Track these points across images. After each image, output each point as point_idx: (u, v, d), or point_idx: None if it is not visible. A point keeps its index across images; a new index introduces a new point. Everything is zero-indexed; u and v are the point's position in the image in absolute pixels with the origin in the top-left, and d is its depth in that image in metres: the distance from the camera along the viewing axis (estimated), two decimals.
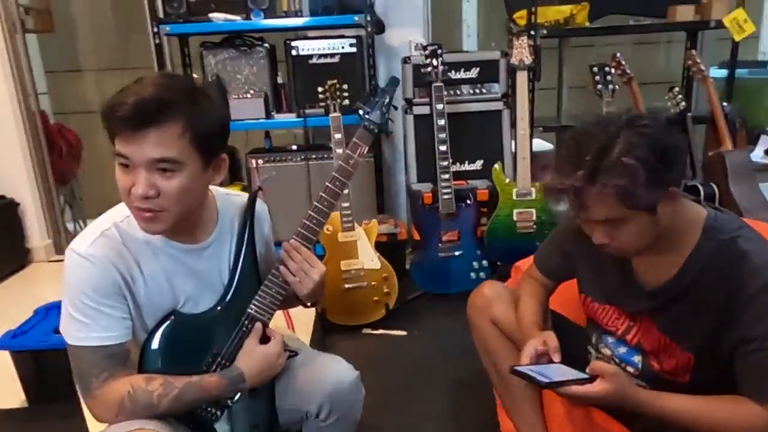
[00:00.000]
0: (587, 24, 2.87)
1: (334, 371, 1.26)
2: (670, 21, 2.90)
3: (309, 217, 1.29)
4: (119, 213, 1.15)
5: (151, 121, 0.99)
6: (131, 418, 1.08)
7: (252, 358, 1.19)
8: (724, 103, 2.74)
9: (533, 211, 2.56)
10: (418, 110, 2.93)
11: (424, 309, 2.52)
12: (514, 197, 2.57)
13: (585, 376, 1.12)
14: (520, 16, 2.90)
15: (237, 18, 2.75)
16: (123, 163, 1.03)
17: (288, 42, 2.89)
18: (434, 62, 2.39)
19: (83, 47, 4.94)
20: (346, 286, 2.31)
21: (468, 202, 2.48)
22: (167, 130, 1.00)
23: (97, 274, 1.08)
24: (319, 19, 2.76)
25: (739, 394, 1.09)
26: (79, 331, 1.08)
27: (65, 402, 1.88)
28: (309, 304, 1.34)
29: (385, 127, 1.40)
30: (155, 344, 1.17)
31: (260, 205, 1.34)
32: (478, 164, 2.94)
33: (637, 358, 1.27)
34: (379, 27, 2.83)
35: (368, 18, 2.76)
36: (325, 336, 2.32)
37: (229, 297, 1.22)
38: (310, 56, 2.90)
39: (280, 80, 3.01)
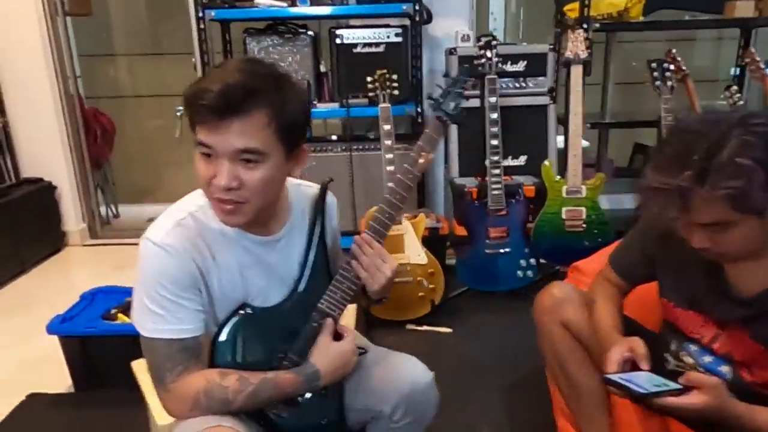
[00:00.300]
0: (641, 18, 2.78)
1: (410, 371, 1.22)
2: (728, 17, 2.80)
3: (381, 210, 1.24)
4: (193, 202, 1.11)
5: (236, 109, 0.95)
6: (205, 413, 1.04)
7: (327, 355, 1.15)
8: None
9: (583, 209, 2.50)
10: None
11: (468, 306, 2.47)
12: (564, 195, 2.51)
13: (678, 386, 1.07)
14: (572, 9, 2.82)
15: (284, 4, 2.70)
16: (205, 152, 0.99)
17: (333, 30, 2.84)
18: (488, 54, 2.33)
19: (117, 32, 4.94)
20: None
21: (517, 198, 2.42)
22: (253, 119, 0.96)
23: (174, 265, 1.05)
24: (367, 7, 2.71)
25: None
26: (155, 323, 1.05)
27: (112, 388, 1.89)
28: (375, 299, 1.30)
29: (459, 118, 1.35)
30: (225, 337, 1.13)
31: (330, 197, 1.29)
32: (521, 160, 2.87)
33: (725, 369, 1.21)
34: (428, 16, 2.77)
35: (416, 7, 2.70)
36: (369, 330, 2.28)
37: (299, 291, 1.18)
38: (355, 45, 2.85)
39: (322, 69, 2.96)
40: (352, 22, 2.95)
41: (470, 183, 2.59)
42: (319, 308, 1.18)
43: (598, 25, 2.62)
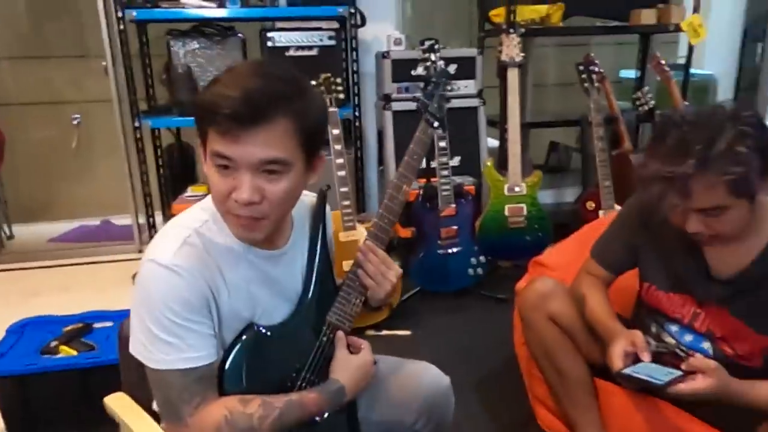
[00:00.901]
0: (560, 24, 2.96)
1: (429, 378, 1.20)
2: (633, 24, 3.06)
3: (381, 216, 1.22)
4: (195, 217, 1.02)
5: (261, 117, 0.88)
6: None
7: (349, 369, 1.10)
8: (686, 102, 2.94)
9: (524, 205, 2.61)
10: (397, 106, 2.90)
11: (423, 307, 2.49)
12: (506, 193, 2.61)
13: (680, 373, 1.15)
14: (497, 14, 2.94)
15: (212, 5, 2.57)
16: (222, 164, 0.91)
17: (264, 32, 2.75)
18: (432, 57, 2.36)
19: None
20: None
21: (465, 197, 2.48)
22: (278, 127, 0.90)
23: (185, 288, 0.95)
24: (302, 9, 2.65)
25: None
26: (167, 353, 0.95)
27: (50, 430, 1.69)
28: (375, 306, 1.27)
29: (444, 119, 1.36)
30: (236, 361, 1.04)
31: (327, 206, 1.25)
32: (456, 160, 2.95)
33: (706, 345, 1.31)
34: (362, 20, 2.76)
35: (352, 10, 2.68)
36: None
37: (306, 305, 1.13)
38: (287, 48, 2.78)
39: None
40: (282, 24, 2.86)
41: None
42: (329, 321, 1.13)
43: (524, 30, 2.74)
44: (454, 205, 2.43)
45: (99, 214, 3.87)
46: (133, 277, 2.79)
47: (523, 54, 2.56)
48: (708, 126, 1.07)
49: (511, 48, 2.54)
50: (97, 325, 1.91)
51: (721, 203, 1.09)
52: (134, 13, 2.51)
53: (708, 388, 1.11)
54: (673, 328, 1.37)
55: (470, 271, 2.50)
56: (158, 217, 3.14)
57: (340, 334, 1.14)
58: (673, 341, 1.37)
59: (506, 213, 2.60)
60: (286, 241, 1.10)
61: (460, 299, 2.52)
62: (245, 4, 2.64)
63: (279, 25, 2.86)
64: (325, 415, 1.10)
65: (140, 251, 3.29)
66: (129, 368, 1.28)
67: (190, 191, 2.85)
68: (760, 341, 1.23)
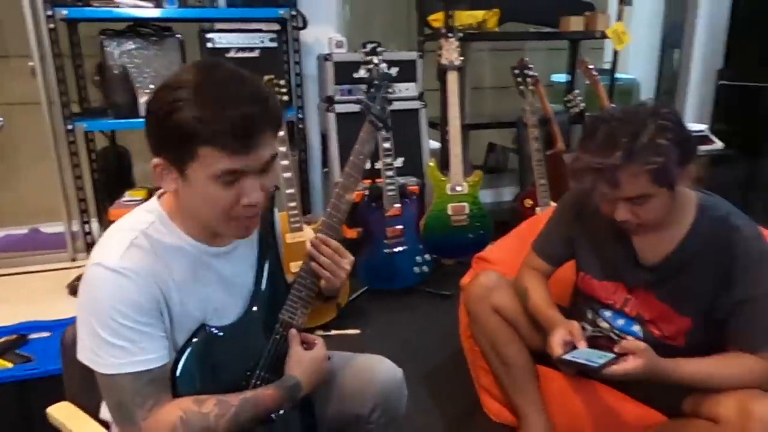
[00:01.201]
0: (496, 29, 3.07)
1: (382, 370, 1.24)
2: (563, 30, 3.22)
3: (329, 215, 1.25)
4: (141, 219, 1.01)
5: (261, 130, 0.92)
6: None
7: (303, 364, 1.12)
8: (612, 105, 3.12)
9: (466, 204, 2.69)
10: (340, 108, 2.92)
11: (370, 306, 2.52)
12: (448, 192, 2.68)
13: (613, 355, 1.24)
14: (435, 19, 3.02)
15: (149, 5, 2.51)
16: (229, 180, 0.93)
17: (203, 33, 2.71)
18: (375, 60, 2.40)
19: None
20: None
21: (409, 197, 2.53)
22: (271, 130, 0.95)
23: (134, 290, 0.95)
24: (243, 10, 2.63)
25: (734, 350, 1.28)
26: (117, 357, 0.94)
27: None
28: (327, 297, 1.29)
29: (388, 121, 1.40)
30: (188, 363, 1.03)
31: (275, 206, 1.26)
32: (399, 161, 3.00)
33: (636, 328, 1.42)
34: (303, 22, 2.76)
35: (293, 12, 2.69)
36: None
37: (258, 303, 1.14)
38: (228, 49, 2.75)
39: None
40: (221, 26, 2.82)
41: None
42: (281, 319, 1.15)
43: (462, 34, 2.83)
44: (398, 205, 2.48)
45: (27, 222, 3.68)
46: (68, 286, 2.67)
47: (461, 57, 2.65)
48: (633, 122, 1.17)
49: (450, 52, 2.62)
50: (32, 336, 1.83)
51: (645, 192, 1.19)
52: (65, 11, 2.41)
53: (638, 368, 1.20)
54: (607, 313, 1.46)
55: (416, 269, 2.56)
56: (94, 224, 3.02)
57: (293, 331, 1.16)
58: (607, 326, 1.47)
59: (449, 212, 2.68)
60: (229, 240, 1.10)
61: (407, 297, 2.57)
62: (183, 4, 2.59)
63: (218, 26, 2.83)
64: (281, 411, 1.12)
65: (73, 259, 3.15)
66: (72, 377, 1.26)
67: (128, 196, 2.76)
68: (683, 322, 1.34)
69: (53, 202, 3.08)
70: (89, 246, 2.82)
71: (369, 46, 2.41)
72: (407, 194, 2.54)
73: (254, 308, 1.13)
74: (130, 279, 0.94)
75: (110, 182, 3.04)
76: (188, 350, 1.03)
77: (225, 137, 0.88)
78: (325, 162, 3.10)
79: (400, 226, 2.50)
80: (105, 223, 2.73)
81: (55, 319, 1.94)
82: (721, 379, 1.24)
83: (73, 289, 2.45)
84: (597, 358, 1.24)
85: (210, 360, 1.06)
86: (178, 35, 2.71)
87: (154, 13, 2.52)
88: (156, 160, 0.94)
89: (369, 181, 2.59)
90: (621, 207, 1.24)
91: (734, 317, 1.27)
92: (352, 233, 2.73)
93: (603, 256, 1.44)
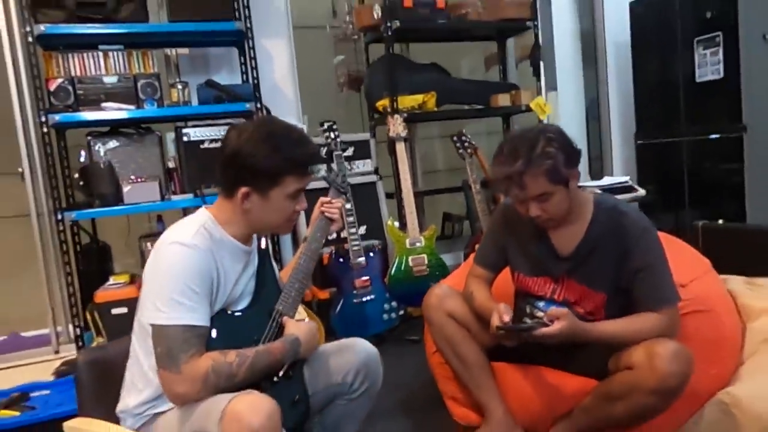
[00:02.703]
0: (435, 109, 3.55)
1: (361, 345, 1.50)
2: (493, 106, 3.73)
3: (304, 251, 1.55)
4: (197, 220, 1.34)
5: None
6: (212, 392, 1.19)
7: (300, 327, 1.39)
8: None
9: (424, 256, 3.00)
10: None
11: None
12: (408, 246, 2.99)
13: (543, 321, 1.51)
14: (383, 104, 3.48)
15: (131, 107, 2.88)
16: (296, 195, 1.35)
17: (179, 129, 3.08)
18: (332, 135, 2.79)
19: None
20: None
21: (373, 251, 2.83)
22: None
23: (203, 263, 1.26)
24: (213, 106, 3.02)
25: (640, 311, 1.56)
26: (178, 311, 1.22)
27: None
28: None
29: (348, 187, 1.76)
30: (216, 331, 1.31)
31: None
32: (362, 229, 3.32)
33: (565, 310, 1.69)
34: (267, 114, 3.17)
35: (258, 105, 3.10)
36: None
37: (260, 295, 1.43)
38: (202, 141, 3.11)
39: (171, 165, 3.13)
40: (195, 121, 3.20)
41: (324, 250, 2.93)
42: (278, 309, 1.42)
43: (406, 114, 3.28)
44: (363, 258, 2.76)
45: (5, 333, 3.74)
46: (54, 372, 2.75)
47: (407, 130, 3.07)
48: (528, 137, 1.53)
49: (396, 126, 3.05)
50: (33, 394, 1.98)
51: (546, 190, 1.52)
52: (57, 117, 2.75)
53: (563, 328, 1.47)
54: (540, 303, 1.74)
55: (385, 316, 2.80)
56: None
57: (286, 318, 1.42)
58: (542, 313, 1.73)
59: (410, 264, 2.97)
60: (252, 243, 1.45)
61: (378, 343, 2.73)
62: (160, 104, 2.97)
63: (192, 122, 3.21)
64: (281, 373, 1.35)
65: (57, 351, 3.26)
66: (85, 398, 1.46)
67: (113, 280, 2.97)
68: (598, 297, 1.63)
69: (34, 311, 3.23)
70: (78, 339, 2.94)
71: (326, 124, 2.81)
72: (371, 248, 2.83)
73: (259, 298, 1.43)
74: (201, 253, 1.26)
75: (90, 279, 3.19)
76: (216, 321, 1.31)
77: (302, 168, 1.32)
78: (295, 237, 3.39)
79: (367, 277, 2.77)
80: (91, 307, 2.89)
81: (53, 380, 2.10)
82: (632, 334, 1.52)
83: (59, 374, 2.57)
84: (530, 323, 1.51)
85: (229, 332, 1.32)
86: (157, 132, 3.07)
87: (135, 114, 2.88)
88: (244, 189, 1.31)
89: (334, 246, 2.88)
90: (531, 206, 1.57)
91: (635, 284, 1.57)
92: (324, 294, 2.98)
93: (530, 256, 1.74)
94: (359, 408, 1.51)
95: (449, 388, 1.99)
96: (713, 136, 3.52)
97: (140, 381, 1.33)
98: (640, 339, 1.50)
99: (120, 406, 1.37)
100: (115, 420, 1.39)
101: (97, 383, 1.45)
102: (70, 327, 3.13)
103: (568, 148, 1.53)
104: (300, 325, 1.39)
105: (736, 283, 1.97)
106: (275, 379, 1.33)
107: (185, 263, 1.24)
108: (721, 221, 2.71)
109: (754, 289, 1.90)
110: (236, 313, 1.37)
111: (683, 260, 1.84)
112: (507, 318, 1.57)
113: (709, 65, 3.49)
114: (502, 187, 1.56)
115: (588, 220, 1.64)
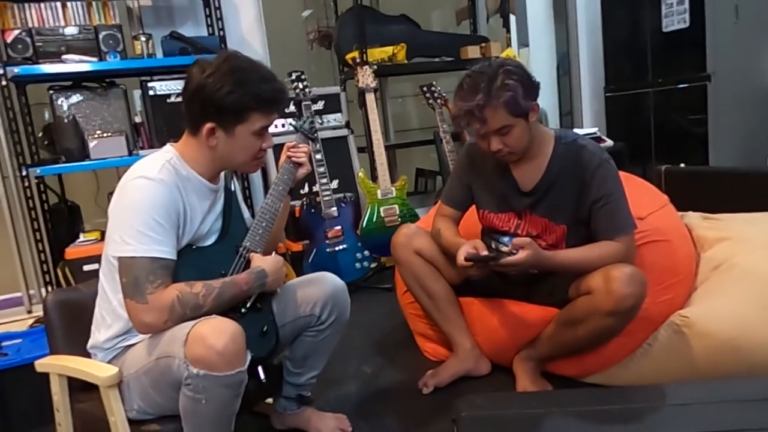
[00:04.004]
0: (405, 61, 3.53)
1: (328, 278, 1.53)
2: (463, 58, 3.72)
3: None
4: (162, 156, 1.33)
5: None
6: (179, 322, 1.20)
7: (266, 260, 1.41)
8: None
9: (396, 206, 3.03)
10: (276, 140, 3.24)
11: None
12: (379, 197, 3.01)
13: (510, 251, 1.55)
14: (352, 57, 3.45)
15: (94, 59, 2.81)
16: (261, 132, 1.34)
17: (144, 83, 3.01)
18: (300, 85, 2.77)
19: None
20: None
21: (345, 202, 2.84)
22: None
23: (168, 196, 1.26)
24: (179, 58, 2.96)
25: (599, 240, 1.61)
26: (144, 243, 1.22)
27: None
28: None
29: (316, 133, 1.74)
30: (183, 264, 1.31)
31: None
32: (334, 183, 3.33)
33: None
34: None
35: None
36: None
37: (228, 232, 1.44)
38: (168, 95, 3.05)
39: (137, 119, 3.08)
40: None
41: (296, 203, 2.94)
42: (245, 246, 1.43)
43: (375, 66, 3.26)
44: (335, 208, 2.78)
45: None
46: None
47: (376, 81, 3.06)
48: (487, 72, 1.55)
49: (366, 77, 3.03)
50: (5, 343, 1.98)
51: (506, 123, 1.55)
52: (16, 69, 2.67)
53: (526, 256, 1.51)
54: (505, 238, 1.79)
55: (357, 264, 2.84)
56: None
57: (253, 254, 1.43)
58: (506, 248, 1.78)
59: (382, 214, 3.00)
60: (219, 182, 1.44)
61: (351, 292, 2.79)
62: (124, 57, 2.90)
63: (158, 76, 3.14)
64: (248, 303, 1.36)
65: (29, 312, 3.24)
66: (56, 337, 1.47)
67: (83, 237, 2.94)
68: (560, 230, 1.68)
69: (5, 274, 3.19)
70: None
71: (294, 74, 2.78)
72: (343, 200, 2.85)
73: (225, 236, 1.44)
74: (167, 187, 1.26)
75: (63, 238, 3.16)
76: (183, 256, 1.32)
77: (268, 105, 1.31)
78: (266, 183, 3.38)
79: (339, 227, 2.79)
80: (63, 264, 2.87)
81: (25, 330, 2.10)
82: (591, 260, 1.57)
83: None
84: (496, 253, 1.55)
85: (196, 266, 1.33)
86: (122, 86, 3.00)
87: (97, 67, 2.81)
88: (209, 125, 1.29)
89: (306, 198, 2.89)
90: (493, 139, 1.59)
91: (593, 215, 1.62)
92: (297, 246, 2.99)
93: (494, 193, 1.78)
94: (328, 340, 1.54)
95: (419, 325, 2.05)
96: (680, 86, 3.58)
97: (109, 316, 1.34)
98: (598, 265, 1.56)
99: (90, 342, 1.39)
100: (87, 357, 1.40)
101: (67, 323, 1.46)
102: (42, 289, 3.12)
103: (526, 81, 1.55)
104: (266, 258, 1.40)
105: (693, 217, 2.04)
106: (243, 310, 1.35)
107: (151, 196, 1.24)
108: (682, 165, 2.79)
109: (710, 223, 1.98)
110: (204, 248, 1.39)
111: (642, 195, 1.90)
112: (485, 252, 1.60)
113: (675, 15, 3.53)
114: (463, 122, 1.58)
115: (549, 156, 1.67)
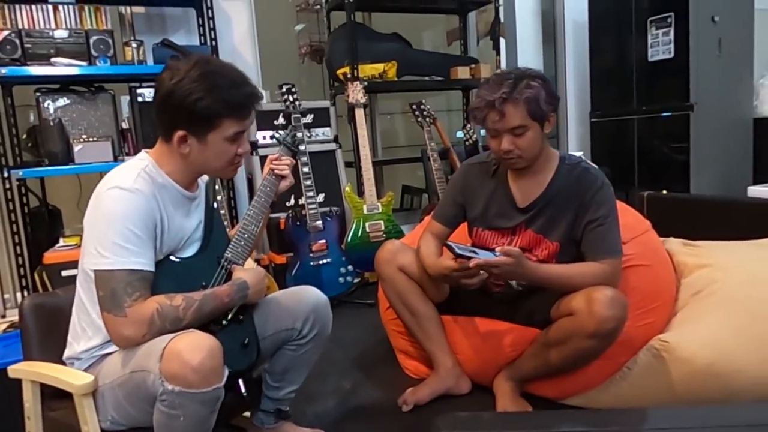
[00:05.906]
0: (396, 79, 3.56)
1: (310, 292, 1.51)
2: (453, 78, 3.77)
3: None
4: (137, 165, 1.30)
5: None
6: (158, 335, 1.17)
7: (248, 272, 1.39)
8: None
9: (381, 222, 3.03)
10: (263, 152, 3.24)
11: None
12: (365, 212, 3.01)
13: (493, 253, 1.55)
14: (343, 72, 3.47)
15: (83, 63, 2.79)
16: (235, 138, 1.29)
17: (134, 89, 3.00)
18: (290, 98, 2.77)
19: None
20: None
21: (330, 215, 2.84)
22: None
23: (143, 207, 1.22)
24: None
25: (586, 260, 1.63)
26: (122, 255, 1.19)
27: None
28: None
29: (299, 146, 1.74)
30: (162, 276, 1.28)
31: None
32: (321, 197, 3.33)
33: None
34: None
35: None
36: None
37: (209, 244, 1.41)
38: None
39: (124, 125, 3.05)
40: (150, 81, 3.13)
41: (280, 215, 2.93)
42: (227, 257, 1.41)
43: (366, 82, 3.29)
44: (320, 221, 2.78)
45: None
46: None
47: (366, 97, 3.07)
48: (513, 73, 1.59)
49: (356, 92, 3.05)
50: None
51: (523, 122, 1.57)
52: (4, 70, 2.64)
53: (510, 262, 1.51)
54: (495, 249, 1.79)
55: (341, 279, 2.82)
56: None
57: (234, 266, 1.41)
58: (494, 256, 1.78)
59: (367, 229, 3.00)
60: (197, 190, 1.42)
61: (334, 306, 2.78)
62: (114, 62, 2.89)
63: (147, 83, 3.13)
64: (230, 315, 1.35)
65: (3, 316, 3.18)
66: (31, 343, 1.44)
67: (63, 242, 2.90)
68: (553, 247, 1.69)
69: None
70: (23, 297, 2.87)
71: (284, 87, 2.79)
72: (328, 213, 2.84)
73: (207, 247, 1.41)
74: (143, 197, 1.22)
75: (42, 242, 3.10)
76: (162, 268, 1.29)
77: (240, 110, 1.26)
78: (251, 194, 3.37)
79: (323, 241, 2.78)
80: (41, 269, 2.82)
81: None
82: (574, 276, 1.59)
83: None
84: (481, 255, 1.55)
85: (176, 278, 1.31)
86: (111, 91, 2.99)
87: (86, 71, 2.79)
88: (180, 133, 1.25)
89: (291, 211, 2.88)
90: (505, 138, 1.61)
91: (585, 234, 1.64)
92: (281, 259, 2.98)
93: (489, 210, 1.78)
94: (308, 354, 1.52)
95: (400, 342, 2.04)
96: (663, 114, 3.65)
97: (90, 329, 1.30)
98: (581, 284, 1.57)
99: (67, 353, 1.35)
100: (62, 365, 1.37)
101: (43, 329, 1.43)
102: (18, 293, 3.06)
103: (549, 90, 1.60)
104: (248, 270, 1.38)
105: (674, 243, 2.07)
106: (224, 322, 1.33)
107: (127, 207, 1.20)
108: (664, 192, 2.83)
109: (690, 249, 2.01)
110: (183, 260, 1.35)
111: (625, 220, 1.90)
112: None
113: (661, 45, 3.61)
114: (481, 114, 1.60)
115: (552, 173, 1.70)
